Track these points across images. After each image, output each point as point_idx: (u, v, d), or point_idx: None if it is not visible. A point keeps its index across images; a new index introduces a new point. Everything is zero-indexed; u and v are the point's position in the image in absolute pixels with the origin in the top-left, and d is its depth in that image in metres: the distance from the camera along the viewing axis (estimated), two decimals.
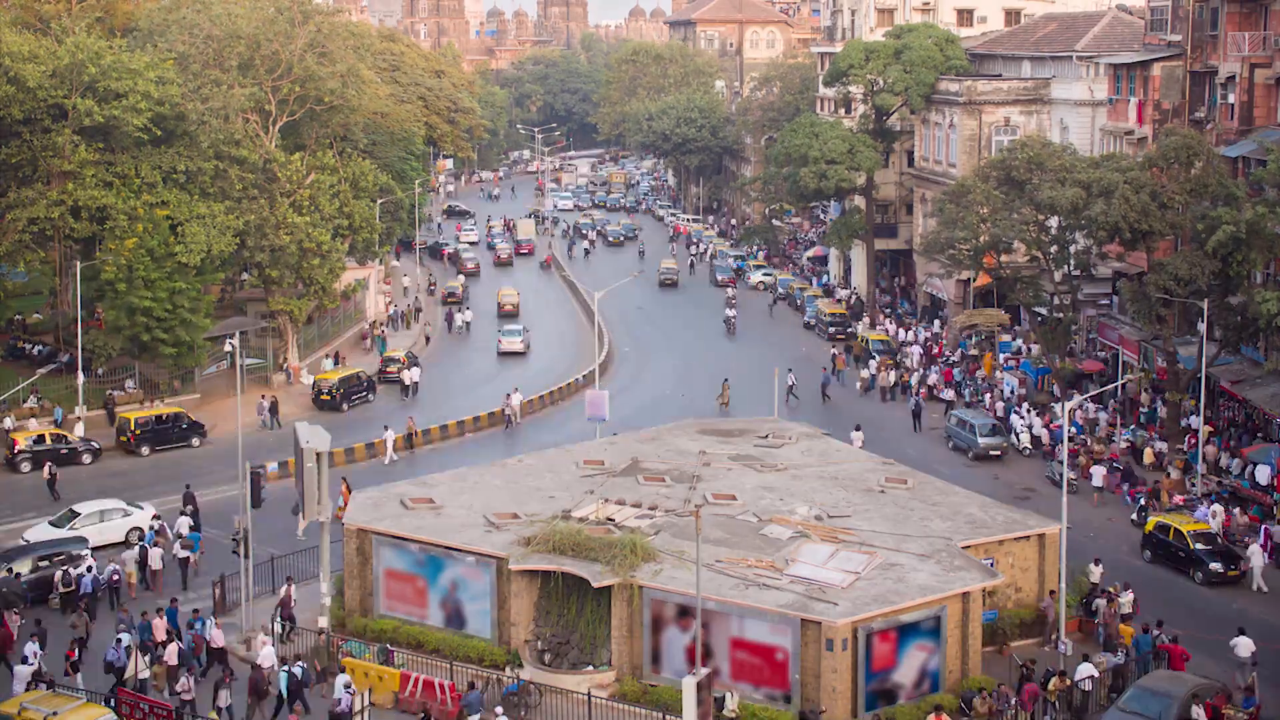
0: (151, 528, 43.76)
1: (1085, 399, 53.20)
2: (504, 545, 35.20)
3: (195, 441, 55.80)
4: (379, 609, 36.84)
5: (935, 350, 72.54)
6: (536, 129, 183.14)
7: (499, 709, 31.21)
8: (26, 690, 31.82)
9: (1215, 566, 41.89)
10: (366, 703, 32.20)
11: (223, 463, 51.37)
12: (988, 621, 34.51)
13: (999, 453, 54.58)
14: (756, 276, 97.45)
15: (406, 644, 35.39)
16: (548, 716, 32.36)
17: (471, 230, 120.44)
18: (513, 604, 34.64)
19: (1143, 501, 47.75)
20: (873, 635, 31.40)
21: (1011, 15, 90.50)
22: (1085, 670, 33.09)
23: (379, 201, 78.85)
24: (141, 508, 45.46)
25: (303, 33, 64.51)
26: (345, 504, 42.50)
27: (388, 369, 68.70)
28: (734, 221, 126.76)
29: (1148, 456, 52.65)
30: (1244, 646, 34.38)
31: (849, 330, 77.79)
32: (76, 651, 34.57)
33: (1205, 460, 49.33)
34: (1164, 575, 42.70)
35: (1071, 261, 56.42)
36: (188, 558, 41.83)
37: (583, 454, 43.96)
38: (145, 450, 54.46)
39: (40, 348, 64.22)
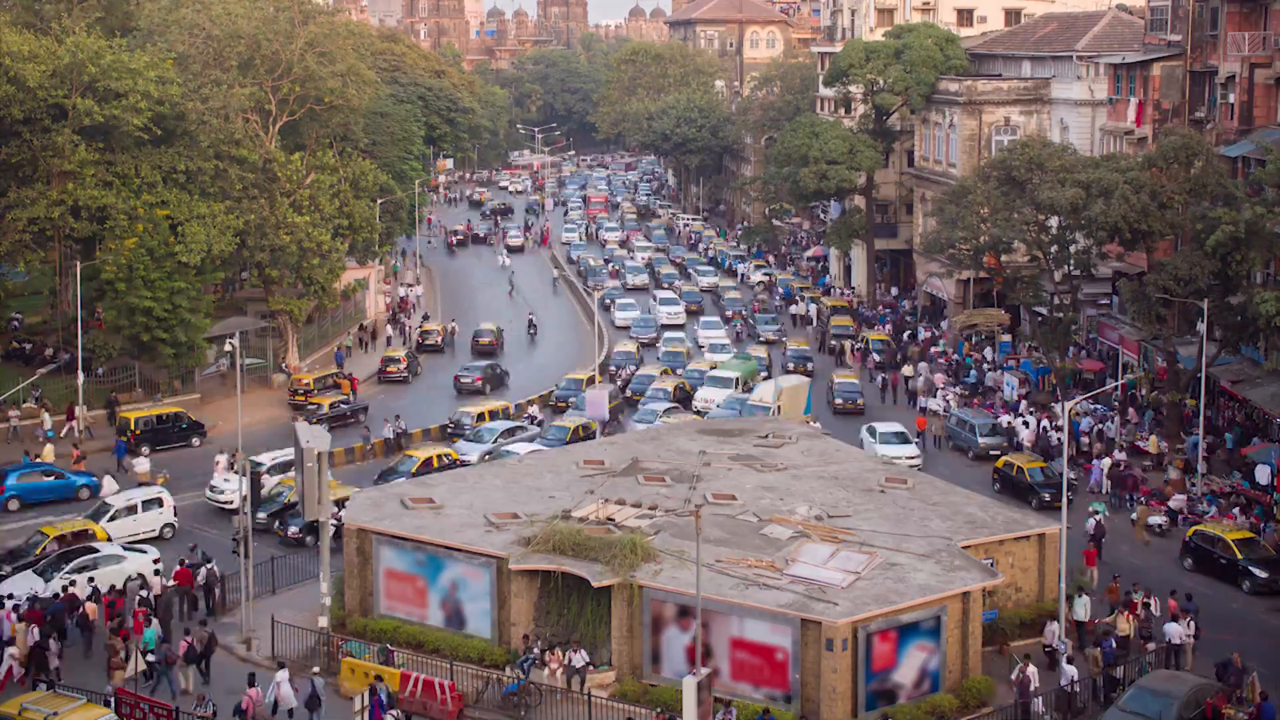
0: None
1: (1084, 399, 53.21)
2: (504, 545, 35.21)
3: (195, 441, 55.77)
4: (379, 609, 36.84)
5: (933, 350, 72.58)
6: (537, 129, 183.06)
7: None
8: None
9: (1261, 575, 41.23)
10: (366, 702, 32.19)
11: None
12: (988, 621, 34.52)
13: (999, 452, 54.58)
14: (756, 276, 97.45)
15: (406, 644, 35.41)
16: (548, 717, 32.36)
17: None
18: (513, 604, 34.65)
19: (1142, 501, 47.76)
20: (873, 635, 31.40)
21: (1011, 15, 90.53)
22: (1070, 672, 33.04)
23: (379, 201, 78.84)
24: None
25: (303, 33, 64.50)
26: None
27: (387, 369, 69.10)
28: (720, 211, 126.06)
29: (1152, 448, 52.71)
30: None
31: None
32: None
33: (1206, 460, 49.36)
34: (1206, 584, 41.58)
35: (1071, 261, 56.41)
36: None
37: (583, 454, 43.96)
38: (145, 450, 54.42)
39: (47, 349, 64.04)
